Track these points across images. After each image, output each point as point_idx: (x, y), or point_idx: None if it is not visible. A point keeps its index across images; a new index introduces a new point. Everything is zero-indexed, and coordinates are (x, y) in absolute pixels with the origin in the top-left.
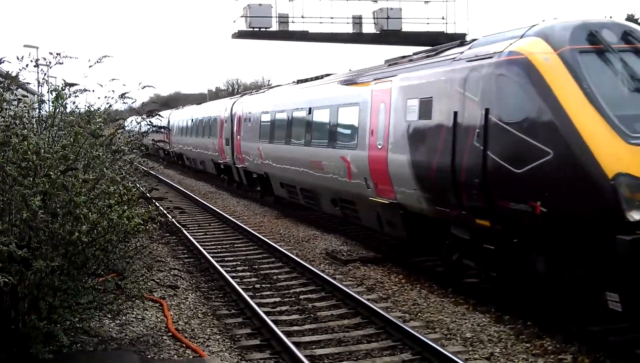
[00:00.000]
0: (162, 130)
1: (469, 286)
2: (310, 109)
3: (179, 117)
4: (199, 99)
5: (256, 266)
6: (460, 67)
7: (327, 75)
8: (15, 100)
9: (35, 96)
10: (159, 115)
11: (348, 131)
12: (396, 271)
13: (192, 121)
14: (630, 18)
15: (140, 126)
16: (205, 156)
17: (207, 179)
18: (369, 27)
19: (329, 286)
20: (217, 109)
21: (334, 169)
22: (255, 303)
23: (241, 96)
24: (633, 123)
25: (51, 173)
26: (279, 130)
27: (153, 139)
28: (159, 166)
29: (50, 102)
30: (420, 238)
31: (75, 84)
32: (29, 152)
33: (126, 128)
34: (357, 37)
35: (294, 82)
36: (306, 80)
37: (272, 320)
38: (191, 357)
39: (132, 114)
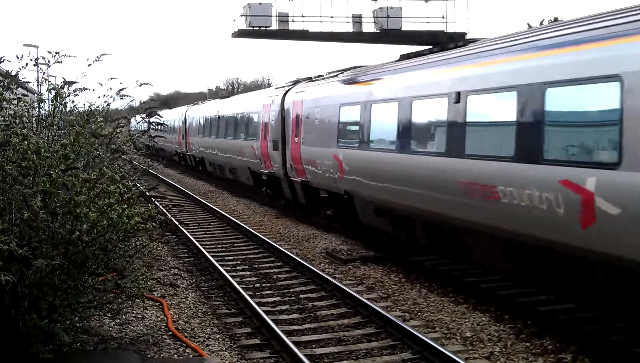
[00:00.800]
0: (161, 127)
1: (469, 286)
2: (458, 95)
3: (198, 114)
4: (199, 98)
5: (256, 266)
6: None
7: (471, 40)
8: (15, 99)
9: (35, 95)
10: (158, 114)
11: (605, 131)
12: (396, 271)
13: (218, 118)
14: None
15: (149, 127)
16: (237, 163)
17: (207, 179)
18: (369, 26)
19: (329, 285)
20: (256, 102)
21: (537, 203)
22: (255, 303)
23: (294, 85)
24: None
25: (52, 172)
26: (380, 130)
27: (150, 136)
28: (158, 165)
29: (50, 101)
30: None
31: (75, 82)
32: (29, 151)
33: (130, 128)
34: (357, 36)
35: (404, 56)
36: (421, 53)
37: (272, 320)
38: (191, 356)
39: (132, 113)
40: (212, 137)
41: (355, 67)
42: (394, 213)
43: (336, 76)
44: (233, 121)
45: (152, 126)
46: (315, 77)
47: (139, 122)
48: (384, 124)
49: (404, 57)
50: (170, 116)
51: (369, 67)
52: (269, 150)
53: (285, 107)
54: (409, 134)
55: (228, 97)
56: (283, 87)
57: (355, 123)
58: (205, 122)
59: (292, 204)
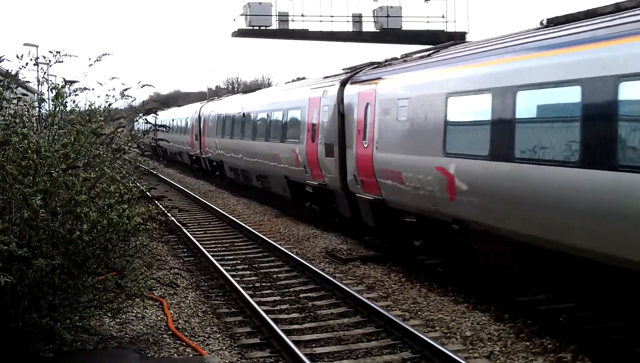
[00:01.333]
0: (164, 128)
1: (468, 285)
2: None
3: (216, 111)
4: (199, 97)
5: (256, 265)
6: None
7: None
8: (15, 98)
9: (35, 94)
10: (156, 113)
11: None
12: (396, 270)
13: (243, 116)
14: None
15: (156, 129)
16: (270, 170)
17: (207, 178)
18: (369, 26)
19: (329, 285)
20: (298, 95)
21: None
22: (255, 302)
23: (353, 72)
24: None
25: (52, 172)
26: (539, 131)
27: (153, 137)
28: (159, 165)
29: (50, 100)
30: None
31: (76, 82)
32: (29, 151)
33: (134, 128)
34: (357, 36)
35: (555, 20)
36: (599, 12)
37: (272, 319)
38: (191, 355)
39: (133, 113)
40: (236, 138)
41: (454, 43)
42: (562, 260)
43: (430, 56)
44: (264, 119)
45: (156, 128)
46: (387, 61)
47: (137, 120)
48: (550, 123)
49: (562, 20)
50: (181, 114)
51: (500, 38)
52: (318, 156)
53: (346, 101)
54: (613, 137)
55: (254, 90)
56: (338, 75)
57: (481, 122)
58: (226, 121)
59: (348, 223)
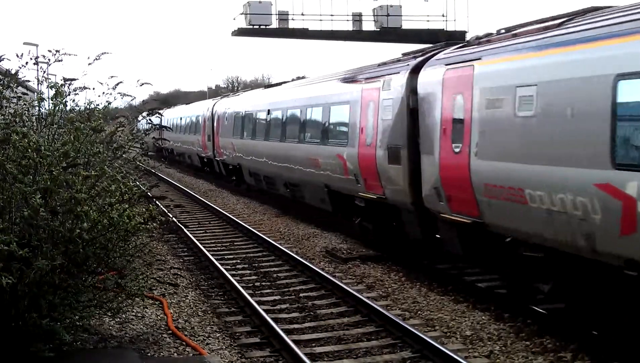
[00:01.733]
0: (165, 128)
1: (468, 285)
2: None
3: (233, 108)
4: (199, 96)
5: (256, 264)
6: None
7: None
8: (14, 98)
9: (35, 93)
10: (159, 113)
11: None
12: (396, 269)
13: (268, 113)
14: None
15: (161, 129)
16: (305, 177)
17: (206, 177)
18: (368, 25)
19: (329, 284)
20: (345, 88)
21: None
22: (255, 301)
23: (425, 55)
24: None
25: (53, 170)
26: None
27: (154, 137)
28: (160, 165)
29: (50, 99)
30: None
31: (75, 80)
32: (29, 150)
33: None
34: (357, 35)
35: None
36: None
37: (272, 318)
38: (191, 354)
39: (133, 112)
40: (258, 139)
41: (594, 9)
42: None
43: (561, 26)
44: (296, 117)
45: (159, 128)
46: (479, 39)
47: (139, 120)
48: None
49: None
50: (190, 112)
51: None
52: (377, 162)
53: (421, 92)
54: None
55: (279, 84)
56: (402, 60)
57: None
58: (245, 120)
59: (421, 248)
